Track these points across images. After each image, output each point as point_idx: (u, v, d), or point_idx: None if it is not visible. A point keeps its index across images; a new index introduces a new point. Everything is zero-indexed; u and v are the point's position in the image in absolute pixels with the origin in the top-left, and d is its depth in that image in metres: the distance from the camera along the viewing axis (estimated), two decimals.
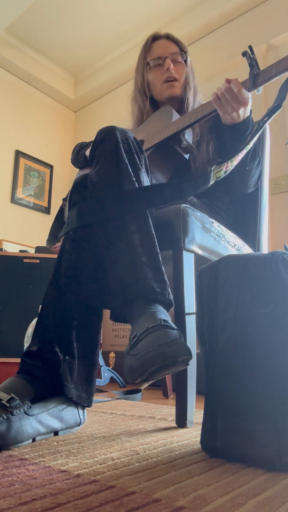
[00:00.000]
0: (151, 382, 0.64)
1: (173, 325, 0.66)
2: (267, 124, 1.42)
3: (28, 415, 0.66)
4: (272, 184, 2.44)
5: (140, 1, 3.00)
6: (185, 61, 1.33)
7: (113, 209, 0.77)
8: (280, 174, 2.44)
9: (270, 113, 0.95)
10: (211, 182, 0.86)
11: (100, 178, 0.82)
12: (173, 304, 0.75)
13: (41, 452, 0.60)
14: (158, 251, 0.78)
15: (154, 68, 1.31)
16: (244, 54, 1.01)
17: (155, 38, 1.34)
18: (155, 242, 0.78)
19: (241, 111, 1.03)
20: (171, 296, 0.74)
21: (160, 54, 1.30)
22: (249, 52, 1.01)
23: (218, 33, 2.94)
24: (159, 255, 0.77)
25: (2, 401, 0.64)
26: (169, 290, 0.75)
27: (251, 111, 1.08)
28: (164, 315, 0.69)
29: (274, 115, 0.96)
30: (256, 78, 1.01)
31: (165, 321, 0.65)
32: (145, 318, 0.68)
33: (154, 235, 0.79)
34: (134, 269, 0.73)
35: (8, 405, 0.64)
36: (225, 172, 0.90)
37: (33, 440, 0.67)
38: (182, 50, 1.32)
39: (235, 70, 2.75)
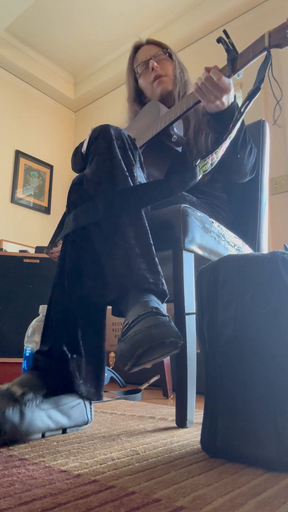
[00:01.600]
0: (141, 366, 0.65)
1: (165, 313, 0.67)
2: (266, 123, 1.42)
3: (39, 409, 0.67)
4: (272, 184, 2.44)
5: (140, 1, 3.00)
6: (170, 57, 1.36)
7: (104, 212, 0.79)
8: (280, 174, 2.44)
9: (250, 97, 0.92)
10: (199, 177, 0.86)
11: (93, 174, 0.83)
12: (167, 294, 0.75)
13: (41, 452, 0.60)
14: (152, 243, 0.79)
15: (143, 73, 1.37)
16: (219, 40, 0.97)
17: (137, 48, 1.41)
18: (148, 234, 0.79)
19: (224, 99, 1.02)
20: (165, 287, 0.75)
21: (143, 59, 1.36)
22: (224, 36, 0.97)
23: (218, 33, 2.94)
24: (153, 247, 0.79)
25: (16, 395, 0.66)
26: (163, 281, 0.75)
27: (235, 96, 1.05)
28: (157, 304, 0.70)
29: (254, 99, 0.93)
30: (234, 62, 0.98)
31: (156, 308, 0.67)
32: (137, 307, 0.69)
33: (148, 228, 0.80)
34: (128, 261, 0.74)
35: (21, 398, 0.65)
36: (211, 164, 0.89)
37: (43, 436, 0.69)
38: (164, 48, 1.37)
39: None
